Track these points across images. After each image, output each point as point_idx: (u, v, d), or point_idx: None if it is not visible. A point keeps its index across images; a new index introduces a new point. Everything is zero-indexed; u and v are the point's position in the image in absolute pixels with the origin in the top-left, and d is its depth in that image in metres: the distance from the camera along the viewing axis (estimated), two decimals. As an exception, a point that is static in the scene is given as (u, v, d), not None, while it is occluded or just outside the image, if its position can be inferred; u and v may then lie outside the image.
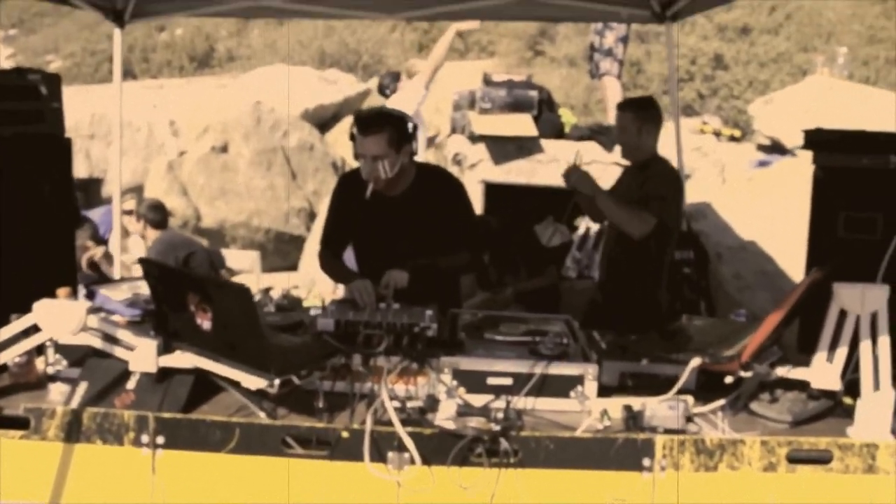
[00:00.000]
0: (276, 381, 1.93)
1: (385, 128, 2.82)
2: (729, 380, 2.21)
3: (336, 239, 3.12)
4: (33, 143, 2.70)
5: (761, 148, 8.04)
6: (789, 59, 11.45)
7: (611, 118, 5.98)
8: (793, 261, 4.71)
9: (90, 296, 2.76)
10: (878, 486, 2.07)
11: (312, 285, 4.97)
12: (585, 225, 5.28)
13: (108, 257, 4.77)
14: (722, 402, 2.27)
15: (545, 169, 5.42)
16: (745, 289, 4.72)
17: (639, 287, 3.54)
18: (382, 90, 5.34)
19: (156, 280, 2.07)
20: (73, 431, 2.06)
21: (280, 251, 7.12)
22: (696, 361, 2.19)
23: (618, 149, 5.52)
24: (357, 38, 13.84)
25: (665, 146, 4.74)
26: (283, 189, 7.33)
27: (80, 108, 8.73)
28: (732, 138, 8.19)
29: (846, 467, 2.09)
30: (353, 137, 2.89)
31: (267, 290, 5.12)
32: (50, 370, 2.33)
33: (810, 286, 2.23)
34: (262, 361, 1.93)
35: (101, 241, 5.47)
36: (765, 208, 5.17)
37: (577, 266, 5.36)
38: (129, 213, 4.87)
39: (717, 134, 8.21)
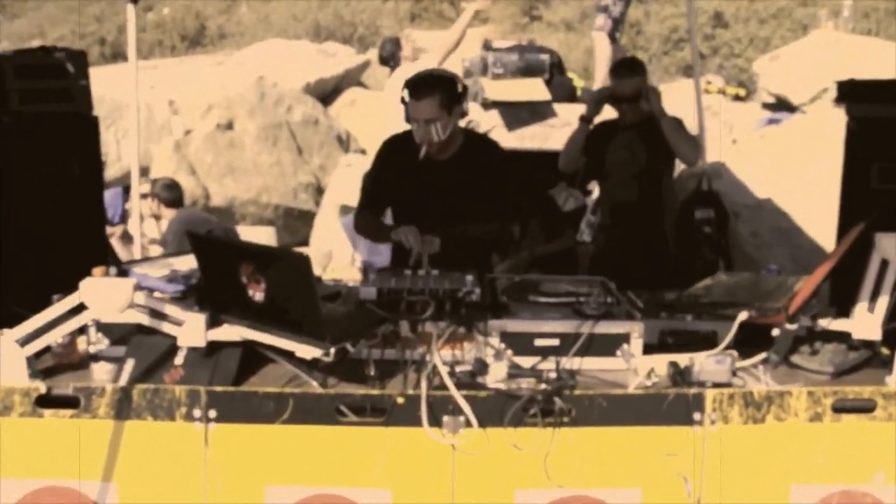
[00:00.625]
0: (332, 350, 1.93)
1: (437, 90, 2.83)
2: (776, 332, 2.22)
3: (377, 202, 3.13)
4: (62, 122, 2.68)
5: (766, 106, 7.99)
6: (789, 14, 11.34)
7: (598, 74, 6.02)
8: (809, 216, 4.72)
9: (123, 275, 2.75)
10: (923, 433, 2.10)
11: (328, 261, 4.96)
12: (598, 189, 5.26)
13: (126, 238, 4.75)
14: (763, 355, 2.28)
15: (559, 133, 5.39)
16: (762, 246, 4.73)
17: (649, 241, 3.78)
18: (385, 60, 5.26)
19: (204, 253, 2.06)
20: (124, 409, 2.06)
21: (289, 227, 7.10)
22: (743, 315, 2.20)
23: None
24: (351, 10, 13.68)
25: (675, 107, 4.75)
26: (289, 164, 7.28)
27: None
28: (737, 97, 8.13)
29: (889, 415, 2.12)
30: (404, 101, 2.89)
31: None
32: (92, 349, 2.32)
33: (858, 237, 2.24)
34: (316, 330, 1.93)
35: (110, 224, 5.45)
36: (778, 166, 5.17)
37: (591, 230, 5.35)
38: (143, 196, 4.84)
39: (722, 93, 8.16)
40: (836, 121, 5.81)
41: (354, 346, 2.06)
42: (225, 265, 2.00)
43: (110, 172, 8.18)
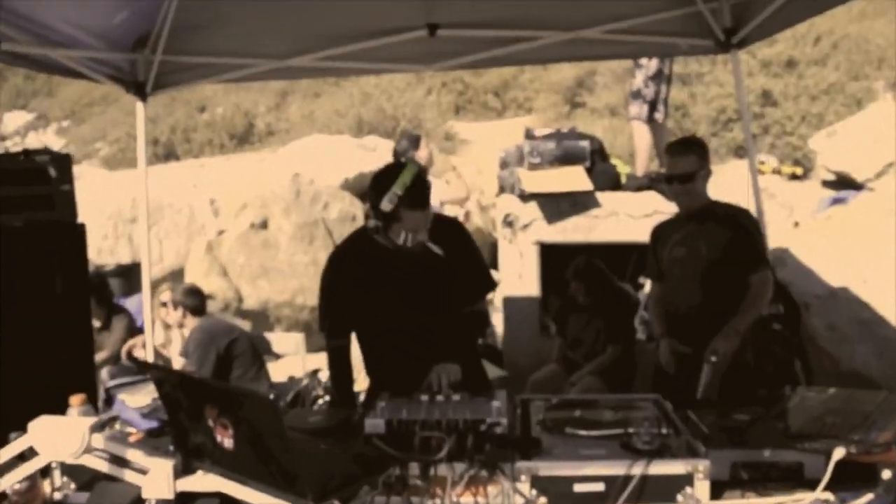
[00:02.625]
0: (315, 510, 1.55)
1: (428, 195, 2.67)
2: (887, 475, 1.76)
3: (343, 322, 2.87)
4: (43, 232, 2.43)
5: (827, 184, 7.53)
6: (841, 89, 10.92)
7: (639, 161, 5.66)
8: (894, 306, 4.20)
9: (109, 401, 2.45)
10: None
11: (363, 365, 4.60)
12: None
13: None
14: (869, 496, 1.82)
15: (603, 224, 5.02)
16: (842, 341, 4.19)
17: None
18: (397, 156, 4.87)
19: (170, 389, 1.72)
20: (80, 577, 1.72)
21: (326, 329, 6.78)
22: (839, 452, 1.75)
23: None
24: (394, 104, 13.76)
25: (730, 190, 4.36)
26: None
27: (123, 192, 8.71)
28: (794, 176, 7.68)
29: None
30: (394, 209, 2.60)
31: (314, 373, 4.77)
32: (57, 495, 2.01)
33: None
34: (293, 482, 1.56)
35: (138, 331, 5.23)
36: (849, 249, 4.67)
37: (645, 328, 4.92)
38: (164, 304, 4.61)
39: (778, 172, 7.73)
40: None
41: (348, 500, 1.67)
42: (190, 404, 1.66)
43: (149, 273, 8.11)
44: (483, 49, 3.95)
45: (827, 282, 4.44)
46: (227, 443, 1.60)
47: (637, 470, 1.80)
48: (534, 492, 1.81)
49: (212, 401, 1.56)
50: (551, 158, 5.01)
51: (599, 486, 1.81)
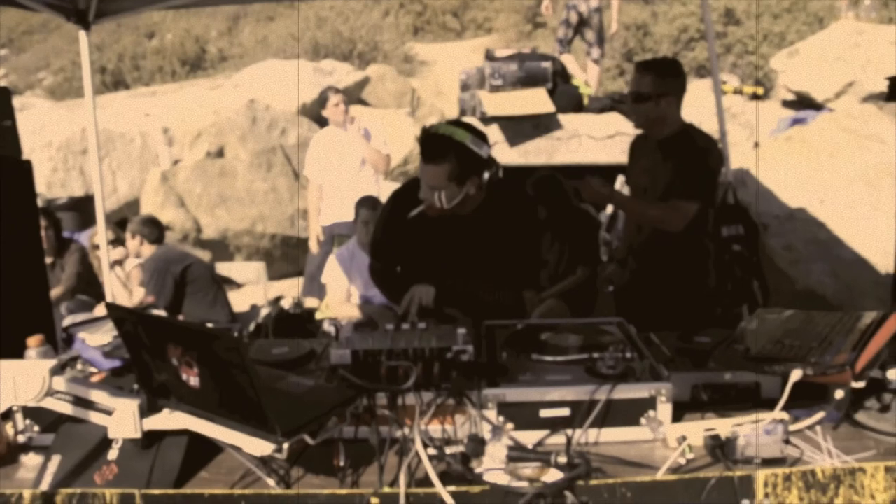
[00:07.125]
0: (286, 445, 1.55)
1: (448, 158, 2.48)
2: (839, 394, 1.81)
3: (389, 253, 2.87)
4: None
5: (787, 104, 7.57)
6: (804, 7, 10.89)
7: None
8: (849, 225, 4.29)
9: (69, 340, 2.39)
10: None
11: (324, 294, 4.59)
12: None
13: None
14: (821, 414, 1.88)
15: (566, 146, 4.99)
16: (798, 262, 4.28)
17: (681, 273, 3.22)
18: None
19: (130, 328, 1.69)
20: (46, 519, 1.71)
21: (288, 256, 6.74)
22: (797, 374, 1.79)
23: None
24: (350, 26, 13.37)
25: (692, 111, 4.33)
26: (285, 191, 6.92)
27: (72, 122, 8.41)
28: (755, 96, 7.69)
29: None
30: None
31: (277, 300, 4.77)
32: (21, 438, 1.98)
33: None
34: (264, 420, 1.55)
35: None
36: (808, 170, 4.73)
37: (607, 249, 4.96)
38: (112, 242, 4.54)
39: (739, 93, 7.73)
40: (869, 117, 5.41)
41: (317, 433, 1.68)
42: (152, 343, 1.63)
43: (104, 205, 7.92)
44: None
45: (785, 202, 4.51)
46: (193, 381, 1.59)
47: (601, 395, 1.83)
48: (501, 418, 1.84)
49: (174, 339, 1.53)
50: (513, 80, 4.93)
51: (565, 412, 1.84)
